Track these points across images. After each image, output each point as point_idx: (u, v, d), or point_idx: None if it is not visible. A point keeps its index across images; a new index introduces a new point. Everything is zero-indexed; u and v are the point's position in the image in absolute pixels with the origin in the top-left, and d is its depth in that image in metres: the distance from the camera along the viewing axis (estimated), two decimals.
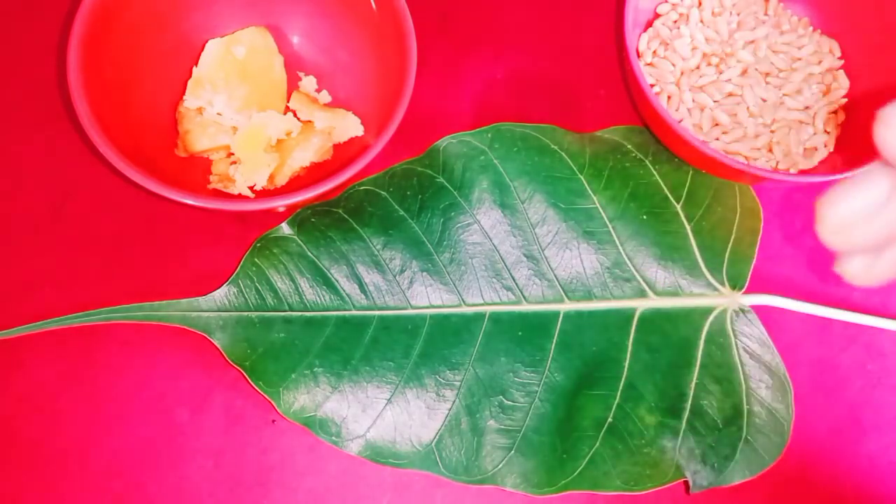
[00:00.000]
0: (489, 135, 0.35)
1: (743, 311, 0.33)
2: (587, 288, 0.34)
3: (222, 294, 0.33)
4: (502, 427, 0.32)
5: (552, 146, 0.35)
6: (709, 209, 0.34)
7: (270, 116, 0.34)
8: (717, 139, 0.34)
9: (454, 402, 0.32)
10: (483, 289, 0.33)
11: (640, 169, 0.35)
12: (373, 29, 0.34)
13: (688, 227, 0.34)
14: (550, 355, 0.33)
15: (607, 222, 0.34)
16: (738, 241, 0.34)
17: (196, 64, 0.34)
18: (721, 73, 0.35)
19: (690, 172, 0.35)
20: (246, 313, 0.33)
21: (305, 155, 0.35)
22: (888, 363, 0.35)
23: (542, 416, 0.32)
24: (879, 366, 0.35)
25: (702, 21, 0.36)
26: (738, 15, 0.36)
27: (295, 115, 0.35)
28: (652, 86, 0.35)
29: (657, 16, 0.37)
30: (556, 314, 0.33)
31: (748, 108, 0.35)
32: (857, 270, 0.20)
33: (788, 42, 0.36)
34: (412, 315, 0.33)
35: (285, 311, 0.33)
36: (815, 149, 0.35)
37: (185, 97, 0.34)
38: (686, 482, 0.32)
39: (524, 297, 0.34)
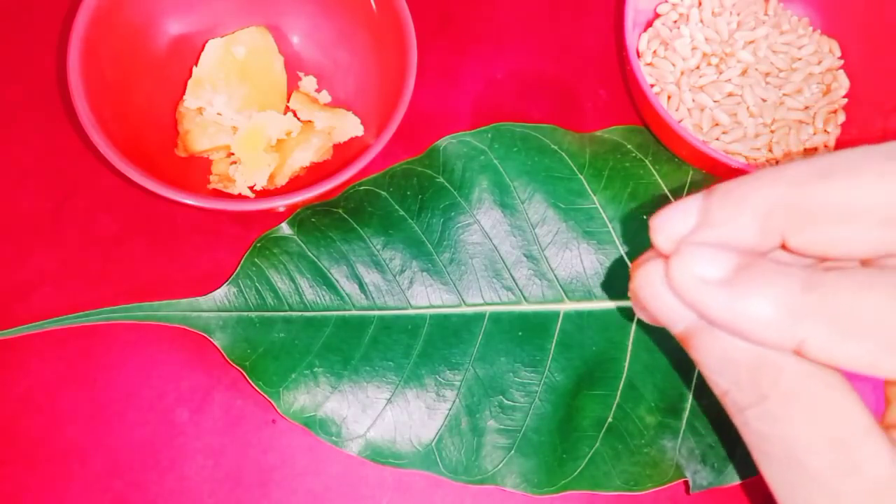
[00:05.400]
0: (489, 135, 0.35)
1: None
2: (587, 288, 0.34)
3: (222, 294, 0.33)
4: (502, 427, 0.32)
5: (552, 146, 0.35)
6: None
7: (270, 116, 0.34)
8: (717, 139, 0.34)
9: (454, 402, 0.32)
10: (483, 289, 0.33)
11: (640, 169, 0.35)
12: (373, 29, 0.34)
13: None
14: (550, 355, 0.33)
15: (607, 222, 0.34)
16: None
17: (196, 64, 0.34)
18: (721, 73, 0.35)
19: (690, 172, 0.35)
20: (246, 313, 0.33)
21: (305, 155, 0.35)
22: None
23: (542, 416, 0.32)
24: None
25: (702, 21, 0.36)
26: (738, 15, 0.36)
27: (295, 115, 0.35)
28: (652, 86, 0.35)
29: (657, 16, 0.37)
30: (556, 314, 0.33)
31: (748, 108, 0.35)
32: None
33: (788, 42, 0.36)
34: (412, 315, 0.33)
35: (285, 311, 0.33)
36: (816, 149, 0.35)
37: (185, 97, 0.34)
38: (686, 482, 0.32)
39: (524, 297, 0.34)
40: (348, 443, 0.32)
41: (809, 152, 0.35)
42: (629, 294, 0.20)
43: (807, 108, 0.35)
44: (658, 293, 0.18)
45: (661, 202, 0.34)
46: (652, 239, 0.19)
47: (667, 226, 0.18)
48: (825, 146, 0.35)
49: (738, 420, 0.18)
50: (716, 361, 0.18)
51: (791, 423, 0.17)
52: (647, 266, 0.18)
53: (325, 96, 0.36)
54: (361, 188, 0.34)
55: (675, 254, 0.17)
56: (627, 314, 0.33)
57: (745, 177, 0.17)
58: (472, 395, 0.32)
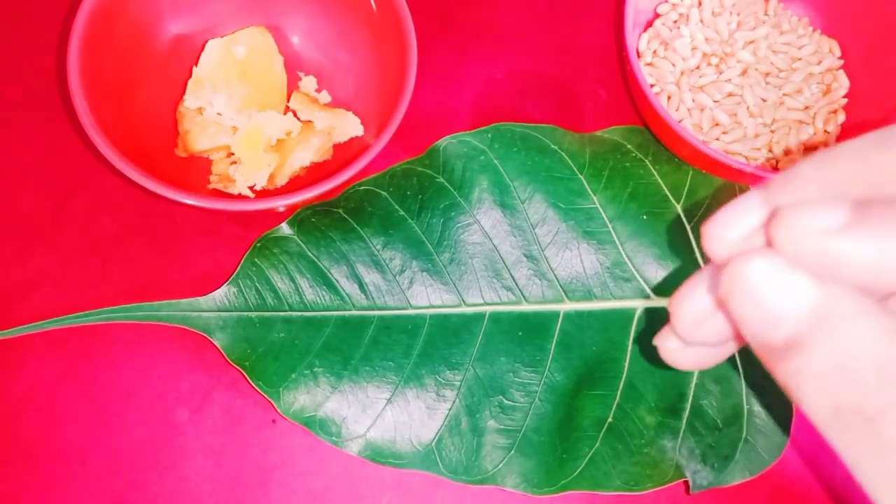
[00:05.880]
0: (489, 135, 0.35)
1: None
2: (587, 288, 0.34)
3: (222, 294, 0.33)
4: (502, 427, 0.32)
5: (552, 146, 0.35)
6: (709, 209, 0.34)
7: (270, 116, 0.34)
8: (717, 139, 0.34)
9: (454, 402, 0.32)
10: (483, 289, 0.33)
11: (640, 169, 0.35)
12: (373, 29, 0.34)
13: (688, 227, 0.34)
14: (550, 355, 0.33)
15: (607, 222, 0.34)
16: None
17: (196, 64, 0.34)
18: (721, 73, 0.35)
19: (690, 172, 0.35)
20: (246, 313, 0.33)
21: (305, 155, 0.35)
22: None
23: (542, 416, 0.32)
24: None
25: (702, 21, 0.36)
26: (738, 15, 0.36)
27: (295, 115, 0.35)
28: (652, 86, 0.35)
29: (657, 16, 0.37)
30: (556, 314, 0.33)
31: (748, 108, 0.35)
32: (669, 350, 0.21)
33: (788, 42, 0.36)
34: (412, 315, 0.33)
35: (285, 311, 0.33)
36: (815, 149, 0.35)
37: (185, 97, 0.34)
38: (686, 482, 0.32)
39: (524, 297, 0.34)
40: (348, 443, 0.32)
41: (809, 152, 0.35)
42: (674, 324, 0.18)
43: (807, 108, 0.35)
44: (758, 285, 0.15)
45: (661, 203, 0.34)
46: (708, 249, 0.17)
47: (726, 230, 0.16)
48: (825, 146, 0.35)
49: (865, 429, 0.15)
50: (833, 365, 0.15)
51: None
52: (735, 265, 0.16)
53: (325, 96, 0.36)
54: (361, 188, 0.34)
55: (778, 219, 0.15)
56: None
57: (799, 163, 0.16)
58: (472, 395, 0.32)
